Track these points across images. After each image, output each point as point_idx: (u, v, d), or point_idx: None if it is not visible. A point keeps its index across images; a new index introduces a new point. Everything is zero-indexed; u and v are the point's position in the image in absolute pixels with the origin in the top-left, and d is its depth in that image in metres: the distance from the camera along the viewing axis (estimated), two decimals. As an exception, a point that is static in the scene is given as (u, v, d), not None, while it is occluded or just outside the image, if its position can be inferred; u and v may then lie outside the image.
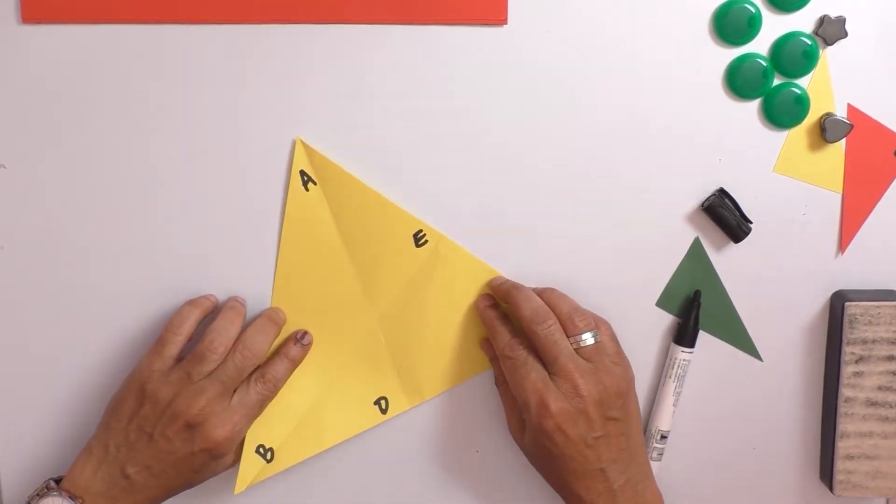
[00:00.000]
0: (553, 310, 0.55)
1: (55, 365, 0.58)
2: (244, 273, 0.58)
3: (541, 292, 0.56)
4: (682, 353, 0.58)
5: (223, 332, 0.55)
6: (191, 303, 0.57)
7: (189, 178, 0.57)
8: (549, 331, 0.54)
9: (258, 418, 0.56)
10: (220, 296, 0.58)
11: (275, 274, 0.58)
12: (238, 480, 0.57)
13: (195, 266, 0.58)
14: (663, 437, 0.59)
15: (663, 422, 0.59)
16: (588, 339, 0.54)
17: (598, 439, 0.52)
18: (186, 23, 0.55)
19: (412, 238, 0.57)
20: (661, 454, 0.60)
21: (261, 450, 0.57)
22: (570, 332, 0.54)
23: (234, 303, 0.57)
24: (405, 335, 0.59)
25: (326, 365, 0.58)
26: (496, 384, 0.59)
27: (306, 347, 0.58)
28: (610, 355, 0.54)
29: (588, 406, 0.52)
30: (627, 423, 0.54)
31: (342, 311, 0.58)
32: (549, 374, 0.53)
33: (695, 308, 0.58)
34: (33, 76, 0.55)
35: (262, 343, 0.56)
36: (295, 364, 0.57)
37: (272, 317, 0.57)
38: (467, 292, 0.58)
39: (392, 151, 0.57)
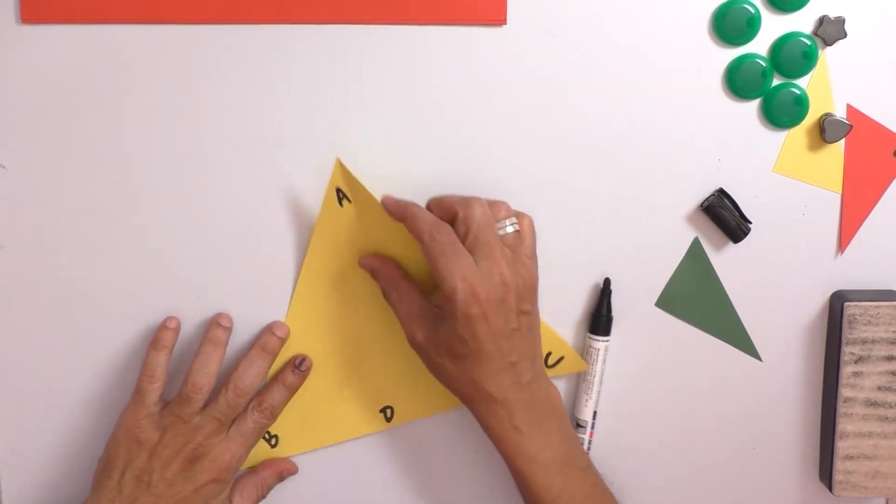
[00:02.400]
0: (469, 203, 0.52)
1: (54, 366, 0.58)
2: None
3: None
4: (595, 342, 0.58)
5: (203, 371, 0.55)
6: (154, 346, 0.56)
7: (191, 179, 0.57)
8: (481, 210, 0.51)
9: None
10: (231, 297, 0.58)
11: (297, 277, 0.58)
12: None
13: (203, 269, 0.58)
14: (579, 426, 0.59)
15: (580, 410, 0.59)
16: (510, 227, 0.52)
17: (514, 332, 0.51)
18: (186, 23, 0.55)
19: None
20: (583, 444, 0.59)
21: (266, 434, 0.59)
22: (494, 216, 0.52)
23: (213, 333, 0.56)
24: None
25: (340, 368, 0.59)
26: (385, 297, 0.55)
27: (304, 374, 0.57)
28: (527, 249, 0.53)
29: (509, 296, 0.50)
30: (534, 318, 0.52)
31: (360, 321, 0.58)
32: (475, 258, 0.50)
33: (605, 296, 0.58)
34: (33, 76, 0.55)
35: (253, 378, 0.55)
36: (292, 391, 0.57)
37: (265, 347, 0.56)
38: None
39: (390, 151, 0.57)
